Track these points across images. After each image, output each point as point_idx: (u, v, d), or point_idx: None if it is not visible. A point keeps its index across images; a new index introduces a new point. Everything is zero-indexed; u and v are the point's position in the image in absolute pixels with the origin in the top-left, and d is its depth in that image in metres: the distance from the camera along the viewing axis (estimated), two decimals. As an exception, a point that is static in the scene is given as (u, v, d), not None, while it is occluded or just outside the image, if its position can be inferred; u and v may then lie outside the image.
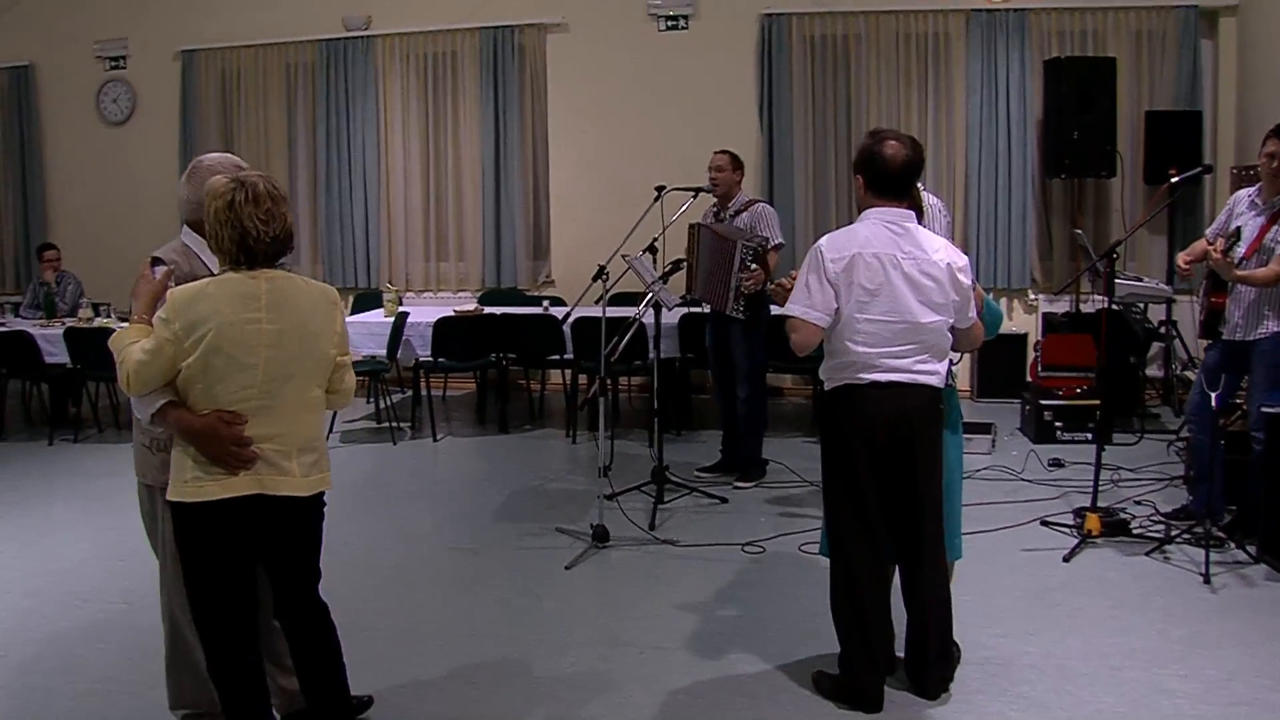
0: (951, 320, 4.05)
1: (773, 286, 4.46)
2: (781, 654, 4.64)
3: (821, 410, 4.40)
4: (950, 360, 4.29)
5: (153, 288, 3.44)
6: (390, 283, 10.81)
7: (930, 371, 4.04)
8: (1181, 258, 6.13)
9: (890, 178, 4.05)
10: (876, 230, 4.03)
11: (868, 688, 4.17)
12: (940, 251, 4.02)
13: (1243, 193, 5.93)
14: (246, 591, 3.45)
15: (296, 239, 11.24)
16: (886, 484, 4.11)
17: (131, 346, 3.25)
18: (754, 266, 6.78)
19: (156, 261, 3.59)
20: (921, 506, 4.11)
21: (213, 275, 3.45)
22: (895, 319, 3.97)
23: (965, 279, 4.05)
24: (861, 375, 4.02)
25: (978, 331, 4.24)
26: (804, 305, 4.03)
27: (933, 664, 4.24)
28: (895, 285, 3.96)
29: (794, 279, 4.14)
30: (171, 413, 3.28)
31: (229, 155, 3.84)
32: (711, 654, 4.70)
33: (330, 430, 8.96)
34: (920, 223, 4.18)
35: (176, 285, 3.44)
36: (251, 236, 3.24)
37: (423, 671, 4.61)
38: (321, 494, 3.52)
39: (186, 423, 3.25)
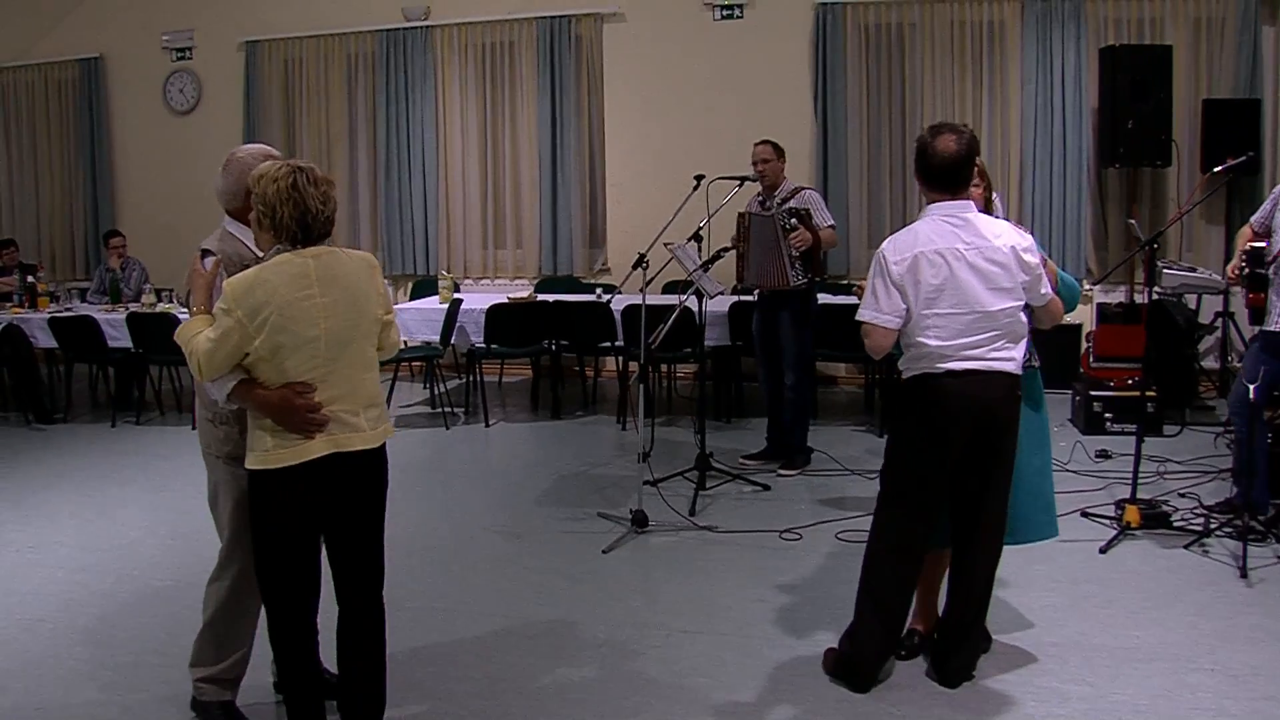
0: (1024, 302, 4.07)
1: (857, 288, 4.53)
2: (807, 641, 4.69)
3: (899, 398, 4.42)
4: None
5: (206, 279, 3.63)
6: (448, 270, 10.95)
7: (1007, 358, 4.05)
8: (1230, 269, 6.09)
9: (941, 173, 4.06)
10: (936, 226, 4.05)
11: (864, 659, 4.24)
12: (1003, 236, 4.03)
13: (1288, 183, 5.88)
14: (314, 560, 3.61)
15: (357, 226, 11.54)
16: (957, 470, 4.15)
17: (198, 336, 3.43)
18: (795, 224, 6.98)
19: (206, 253, 3.77)
20: (987, 492, 4.16)
21: (258, 258, 3.64)
22: (964, 310, 3.99)
23: (1032, 258, 4.05)
24: (938, 365, 4.05)
25: (1055, 307, 4.23)
26: (873, 311, 4.09)
27: (961, 647, 4.28)
28: (960, 278, 3.98)
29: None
30: (246, 391, 3.44)
31: (261, 145, 4.03)
32: (736, 638, 4.75)
33: (384, 415, 9.10)
34: (988, 210, 4.29)
35: (226, 271, 3.64)
36: (311, 214, 3.41)
37: (446, 647, 4.75)
38: (384, 446, 3.68)
39: (262, 398, 3.42)
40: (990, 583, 4.29)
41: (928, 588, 4.53)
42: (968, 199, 4.11)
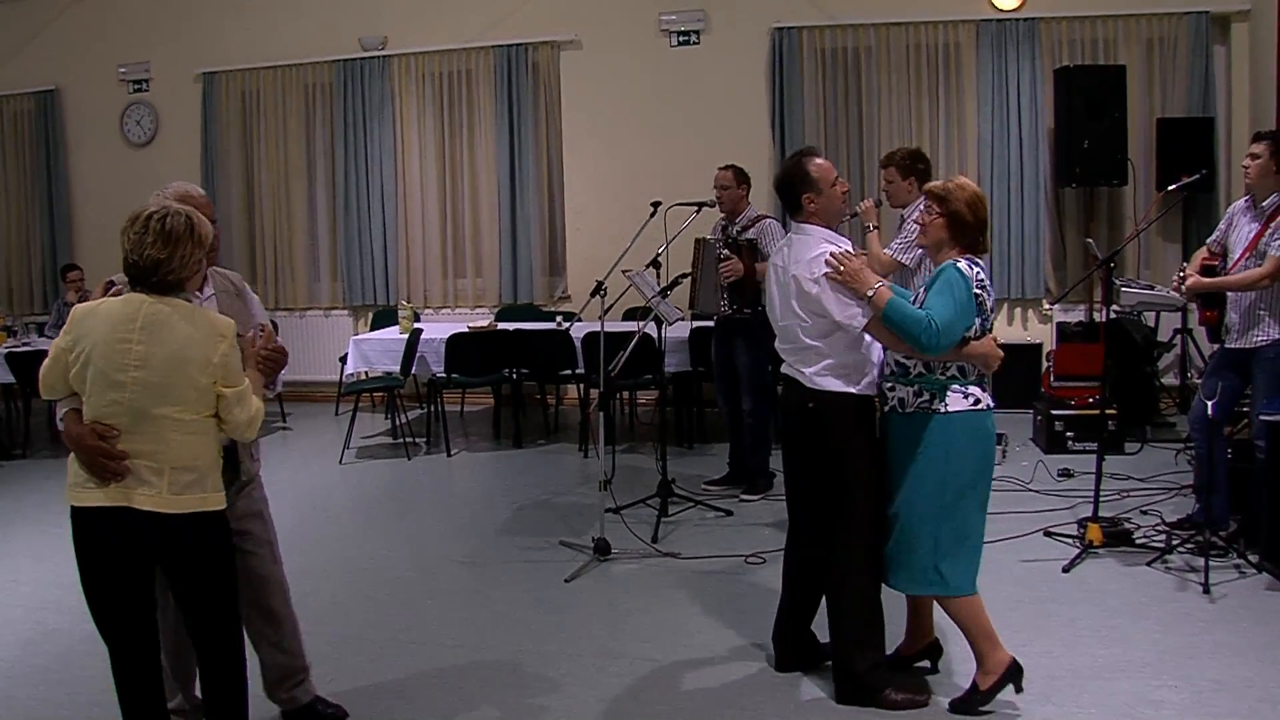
0: (809, 324, 4.21)
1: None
2: (773, 666, 4.65)
3: None
4: (961, 379, 4.34)
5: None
6: (408, 300, 10.90)
7: (799, 372, 4.31)
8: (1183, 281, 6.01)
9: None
10: (787, 241, 4.50)
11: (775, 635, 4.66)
12: (799, 264, 4.23)
13: (1239, 202, 5.94)
14: (134, 599, 3.43)
15: (316, 256, 11.50)
16: (791, 469, 4.56)
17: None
18: (727, 254, 6.96)
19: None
20: (812, 501, 4.38)
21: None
22: (775, 320, 4.43)
23: (810, 288, 4.16)
24: (782, 367, 4.49)
25: (878, 333, 4.13)
26: None
27: (833, 668, 4.40)
28: (771, 290, 4.46)
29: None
30: (66, 420, 3.41)
31: (182, 184, 3.99)
32: (701, 665, 4.72)
33: (346, 445, 9.05)
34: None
35: None
36: (122, 254, 3.44)
37: (408, 679, 4.68)
38: (204, 517, 3.43)
39: (68, 430, 3.38)
40: (840, 606, 4.33)
41: (910, 609, 4.52)
42: (804, 220, 4.37)
